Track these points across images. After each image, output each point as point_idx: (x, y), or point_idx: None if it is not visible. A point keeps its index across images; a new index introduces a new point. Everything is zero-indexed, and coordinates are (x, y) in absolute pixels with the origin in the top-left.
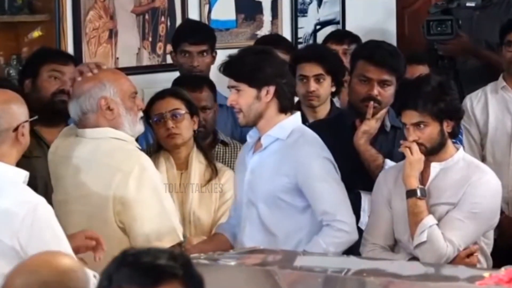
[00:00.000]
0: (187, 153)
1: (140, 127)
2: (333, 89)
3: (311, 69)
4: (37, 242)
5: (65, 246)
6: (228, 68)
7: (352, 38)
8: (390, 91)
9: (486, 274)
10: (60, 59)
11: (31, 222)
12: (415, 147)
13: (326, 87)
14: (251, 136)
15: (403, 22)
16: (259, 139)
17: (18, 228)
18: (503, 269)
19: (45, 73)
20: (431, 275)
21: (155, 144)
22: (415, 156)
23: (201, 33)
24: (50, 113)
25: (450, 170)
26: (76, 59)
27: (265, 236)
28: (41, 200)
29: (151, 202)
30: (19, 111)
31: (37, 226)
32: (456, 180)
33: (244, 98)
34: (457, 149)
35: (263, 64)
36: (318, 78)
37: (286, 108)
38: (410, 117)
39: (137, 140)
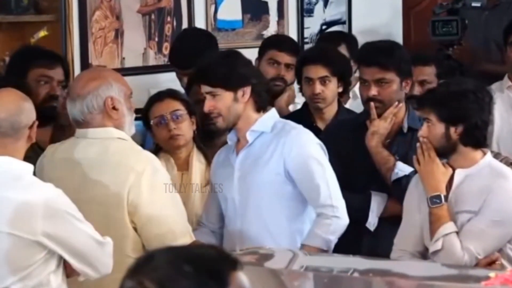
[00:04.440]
0: (187, 154)
1: (133, 128)
2: (340, 90)
3: (316, 71)
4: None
5: (88, 227)
6: (201, 76)
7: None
8: (389, 88)
9: (492, 274)
10: (47, 62)
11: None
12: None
13: (332, 88)
14: (231, 139)
15: (409, 22)
16: (239, 140)
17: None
18: (509, 269)
19: (32, 77)
20: (437, 275)
21: (154, 146)
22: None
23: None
24: (40, 117)
25: (475, 177)
26: (82, 59)
27: (261, 230)
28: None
29: (166, 203)
30: (32, 109)
31: (60, 215)
32: (479, 187)
33: (222, 102)
34: (485, 153)
35: (234, 66)
36: (323, 80)
37: (262, 106)
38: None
39: (144, 141)
